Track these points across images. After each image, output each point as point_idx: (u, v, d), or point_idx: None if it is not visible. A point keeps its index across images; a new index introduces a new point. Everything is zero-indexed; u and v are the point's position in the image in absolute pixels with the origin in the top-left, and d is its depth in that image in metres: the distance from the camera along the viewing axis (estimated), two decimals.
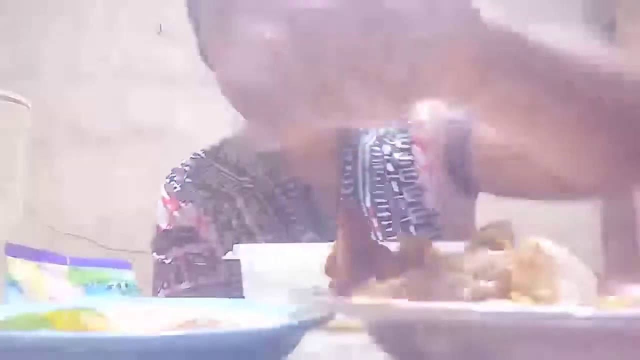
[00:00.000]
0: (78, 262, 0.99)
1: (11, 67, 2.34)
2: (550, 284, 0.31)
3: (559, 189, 0.70)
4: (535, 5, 2.55)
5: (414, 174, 0.90)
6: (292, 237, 0.87)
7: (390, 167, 0.91)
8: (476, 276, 0.34)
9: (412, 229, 0.88)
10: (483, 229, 0.40)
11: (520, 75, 0.44)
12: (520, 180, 0.80)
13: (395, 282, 0.34)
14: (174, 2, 2.72)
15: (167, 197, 0.98)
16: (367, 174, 0.90)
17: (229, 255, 0.64)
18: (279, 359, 0.38)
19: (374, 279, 0.36)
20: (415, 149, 0.91)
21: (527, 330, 0.28)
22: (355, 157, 0.91)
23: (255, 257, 0.61)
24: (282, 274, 0.57)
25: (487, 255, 0.35)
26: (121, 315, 0.44)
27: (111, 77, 2.41)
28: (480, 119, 0.54)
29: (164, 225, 0.96)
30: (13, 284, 0.88)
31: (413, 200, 0.89)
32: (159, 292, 0.95)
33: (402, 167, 0.90)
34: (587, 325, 0.26)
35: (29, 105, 0.56)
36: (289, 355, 0.38)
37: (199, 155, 1.03)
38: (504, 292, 0.32)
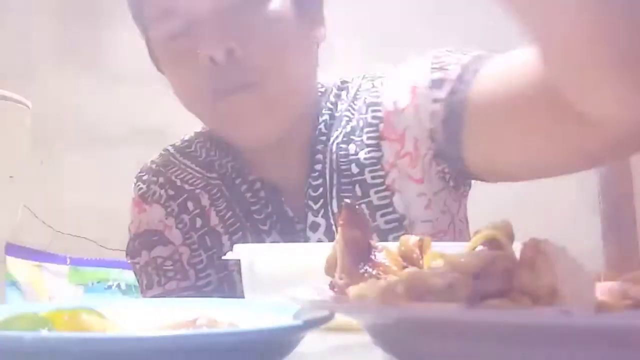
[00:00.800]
0: (78, 262, 0.99)
1: (11, 67, 2.34)
2: (550, 283, 0.31)
3: (563, 155, 0.66)
4: None
5: (381, 172, 0.82)
6: (257, 237, 0.84)
7: (354, 168, 0.83)
8: (476, 276, 0.34)
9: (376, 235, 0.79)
10: (483, 229, 0.40)
11: None
12: (521, 149, 0.72)
13: (394, 281, 0.34)
14: None
15: (135, 199, 0.95)
16: (335, 175, 0.84)
17: (229, 255, 0.63)
18: (279, 359, 0.38)
19: (374, 279, 0.36)
20: (384, 144, 0.83)
21: (527, 330, 0.28)
22: (325, 156, 0.84)
23: (255, 257, 0.61)
24: (282, 274, 0.57)
25: (487, 255, 0.35)
26: (121, 315, 0.44)
27: (111, 77, 2.41)
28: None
29: (133, 229, 0.93)
30: (13, 284, 0.88)
31: (381, 202, 0.82)
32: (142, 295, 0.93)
33: (368, 166, 0.83)
34: (587, 325, 0.26)
35: (29, 105, 0.56)
36: (289, 355, 0.38)
37: (167, 150, 0.98)
38: (504, 292, 0.32)
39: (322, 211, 0.83)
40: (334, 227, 0.82)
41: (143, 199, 0.93)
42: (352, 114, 0.87)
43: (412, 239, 0.41)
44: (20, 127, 0.56)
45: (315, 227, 0.83)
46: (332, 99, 0.88)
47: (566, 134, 0.66)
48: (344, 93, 0.89)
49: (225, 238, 0.86)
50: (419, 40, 2.40)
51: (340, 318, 0.40)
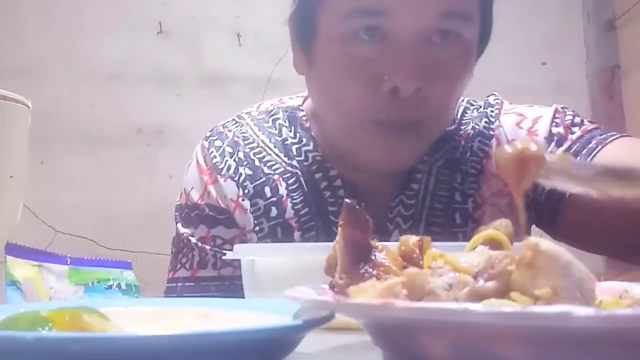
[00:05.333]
0: (78, 262, 0.99)
1: (11, 66, 2.33)
2: (550, 284, 0.31)
3: None
4: (536, 2, 2.55)
5: (474, 205, 0.83)
6: (328, 239, 0.83)
7: (457, 196, 0.83)
8: (476, 276, 0.34)
9: None
10: (483, 229, 0.40)
11: None
12: (614, 231, 0.75)
13: (394, 281, 0.34)
14: (174, 2, 2.70)
15: (203, 165, 0.86)
16: (429, 198, 0.83)
17: (229, 255, 0.63)
18: (279, 359, 0.38)
19: (374, 279, 0.36)
20: (482, 179, 0.84)
21: (527, 330, 0.28)
22: (424, 176, 0.83)
23: (255, 257, 0.61)
24: (282, 274, 0.57)
25: (487, 255, 0.35)
26: (121, 315, 0.44)
27: (111, 77, 2.41)
28: None
29: (195, 197, 0.85)
30: (13, 284, 0.88)
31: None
32: (178, 270, 0.86)
33: (470, 196, 0.83)
34: (587, 325, 0.26)
35: (29, 105, 0.56)
36: (289, 355, 0.38)
37: (243, 119, 0.90)
38: (504, 292, 0.32)
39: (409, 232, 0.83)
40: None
41: (217, 170, 0.85)
42: (458, 139, 0.86)
43: (412, 239, 0.41)
44: (20, 127, 0.56)
45: None
46: None
47: None
48: None
49: (297, 234, 0.82)
50: None
51: (340, 318, 0.40)
